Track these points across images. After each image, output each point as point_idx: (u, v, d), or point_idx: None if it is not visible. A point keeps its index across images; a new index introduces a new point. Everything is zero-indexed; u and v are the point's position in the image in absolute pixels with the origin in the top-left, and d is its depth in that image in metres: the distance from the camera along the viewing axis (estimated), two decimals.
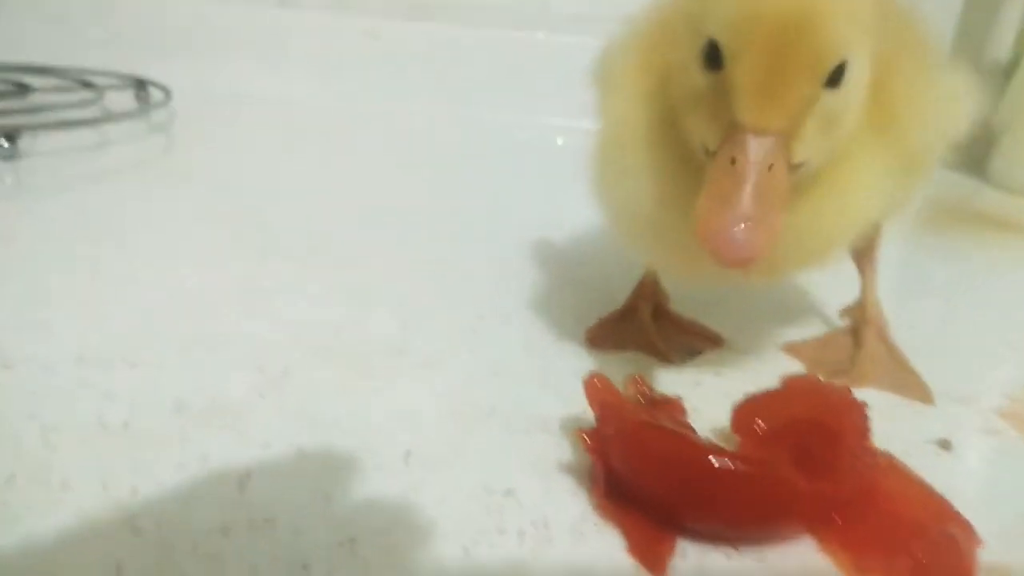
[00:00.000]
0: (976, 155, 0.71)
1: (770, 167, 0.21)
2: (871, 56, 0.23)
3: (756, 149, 0.21)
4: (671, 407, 0.25)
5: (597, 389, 0.24)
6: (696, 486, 0.21)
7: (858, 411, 0.23)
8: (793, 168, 0.22)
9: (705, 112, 0.22)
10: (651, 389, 0.25)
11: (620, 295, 0.35)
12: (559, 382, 0.29)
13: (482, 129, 0.75)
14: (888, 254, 0.48)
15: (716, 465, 0.20)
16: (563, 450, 0.25)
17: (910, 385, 0.31)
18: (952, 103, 0.28)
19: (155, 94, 0.70)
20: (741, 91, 0.21)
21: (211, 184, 0.53)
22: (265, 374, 0.28)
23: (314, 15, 0.76)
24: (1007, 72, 0.69)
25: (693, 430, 0.24)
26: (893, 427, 0.28)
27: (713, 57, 0.22)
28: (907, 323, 0.38)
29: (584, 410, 0.24)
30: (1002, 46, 0.72)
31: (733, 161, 0.21)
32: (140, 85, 0.71)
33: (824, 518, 0.22)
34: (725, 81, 0.21)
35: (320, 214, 0.48)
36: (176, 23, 0.77)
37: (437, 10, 0.76)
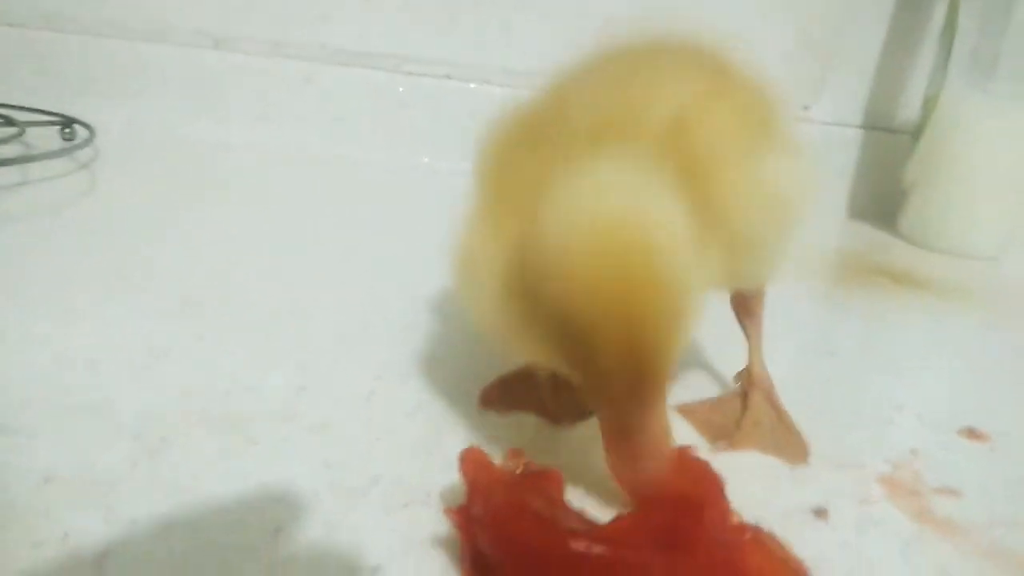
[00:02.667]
0: (888, 210, 0.75)
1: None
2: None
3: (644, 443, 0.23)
4: (549, 480, 0.25)
5: (471, 465, 0.24)
6: (556, 571, 0.21)
7: (715, 484, 0.23)
8: None
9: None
10: (530, 461, 0.26)
11: None
12: (448, 449, 0.29)
13: (414, 174, 0.75)
14: (795, 309, 0.50)
15: (574, 550, 0.20)
16: (440, 525, 0.25)
17: (790, 446, 0.32)
18: (781, 188, 0.26)
19: (80, 132, 0.69)
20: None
21: (128, 229, 0.52)
22: (142, 442, 0.28)
23: (251, 59, 0.76)
24: (915, 133, 0.72)
25: (567, 506, 0.24)
26: (771, 493, 0.29)
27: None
28: (800, 384, 0.39)
29: None
30: (911, 109, 0.76)
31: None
32: (65, 122, 0.70)
33: None
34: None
35: (231, 266, 0.47)
36: (110, 62, 0.76)
37: (376, 58, 0.77)
